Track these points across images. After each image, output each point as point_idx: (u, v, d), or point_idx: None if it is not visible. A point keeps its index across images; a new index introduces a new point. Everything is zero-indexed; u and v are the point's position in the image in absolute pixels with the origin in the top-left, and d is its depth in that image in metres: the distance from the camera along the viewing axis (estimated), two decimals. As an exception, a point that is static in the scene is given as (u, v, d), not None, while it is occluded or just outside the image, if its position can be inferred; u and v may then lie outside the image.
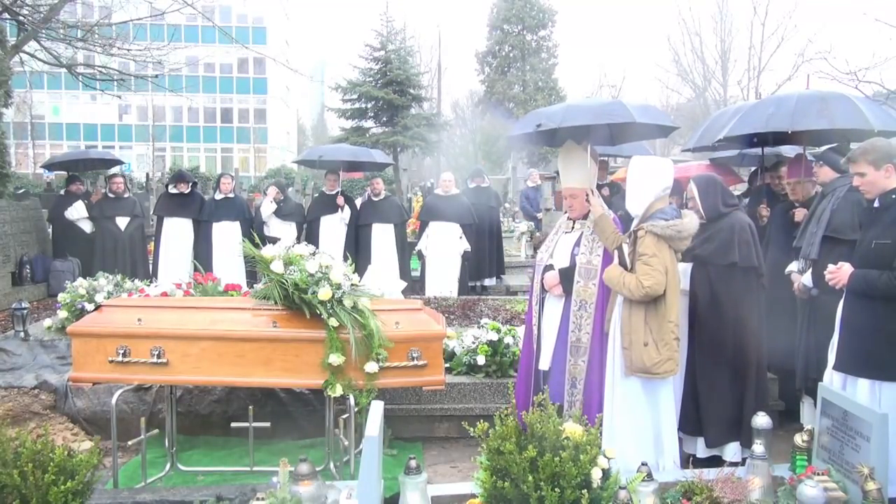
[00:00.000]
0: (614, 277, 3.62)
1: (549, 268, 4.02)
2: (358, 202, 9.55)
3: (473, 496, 2.92)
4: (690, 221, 3.62)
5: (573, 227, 4.09)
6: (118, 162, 11.30)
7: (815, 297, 4.11)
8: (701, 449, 4.00)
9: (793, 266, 4.45)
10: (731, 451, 3.94)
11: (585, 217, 4.03)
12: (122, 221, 8.70)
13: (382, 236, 8.79)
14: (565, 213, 4.20)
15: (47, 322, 5.94)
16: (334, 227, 8.71)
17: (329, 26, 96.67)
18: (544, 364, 3.99)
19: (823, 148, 4.87)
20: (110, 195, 8.89)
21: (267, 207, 8.64)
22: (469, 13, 77.84)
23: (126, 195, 9.09)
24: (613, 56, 60.85)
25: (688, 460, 3.76)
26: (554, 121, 4.33)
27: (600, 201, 3.98)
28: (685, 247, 3.69)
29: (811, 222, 4.29)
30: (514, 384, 4.28)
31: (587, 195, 3.98)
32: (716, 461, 3.80)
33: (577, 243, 3.98)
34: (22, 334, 5.53)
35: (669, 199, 3.79)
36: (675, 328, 3.58)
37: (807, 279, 4.20)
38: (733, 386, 3.95)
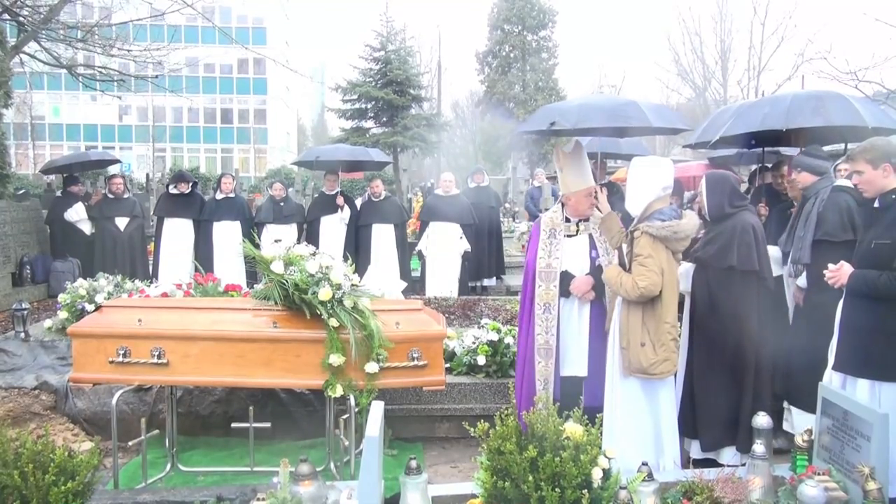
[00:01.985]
0: (612, 277, 3.61)
1: (565, 274, 3.94)
2: (358, 202, 9.56)
3: (474, 496, 2.91)
4: (689, 222, 3.58)
5: (577, 231, 4.02)
6: (115, 161, 11.29)
7: (806, 302, 4.13)
8: (697, 452, 3.96)
9: (783, 271, 4.44)
10: (728, 455, 3.87)
11: (587, 218, 3.97)
12: (121, 222, 8.70)
13: (383, 236, 8.79)
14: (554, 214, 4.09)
15: (48, 322, 5.94)
16: (334, 228, 8.72)
17: (329, 26, 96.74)
18: (580, 370, 3.94)
19: (797, 151, 4.82)
20: (110, 196, 8.89)
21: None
22: (469, 13, 77.90)
23: (126, 196, 9.09)
24: (613, 56, 60.99)
25: (688, 460, 3.75)
26: (569, 120, 4.28)
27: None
28: (683, 248, 3.65)
29: (798, 226, 4.27)
30: (514, 385, 4.21)
31: (594, 193, 3.93)
32: (712, 462, 3.79)
33: (593, 246, 3.94)
34: (22, 335, 5.54)
35: (670, 199, 3.78)
36: (673, 329, 3.57)
37: (801, 282, 4.19)
38: (729, 390, 3.88)
